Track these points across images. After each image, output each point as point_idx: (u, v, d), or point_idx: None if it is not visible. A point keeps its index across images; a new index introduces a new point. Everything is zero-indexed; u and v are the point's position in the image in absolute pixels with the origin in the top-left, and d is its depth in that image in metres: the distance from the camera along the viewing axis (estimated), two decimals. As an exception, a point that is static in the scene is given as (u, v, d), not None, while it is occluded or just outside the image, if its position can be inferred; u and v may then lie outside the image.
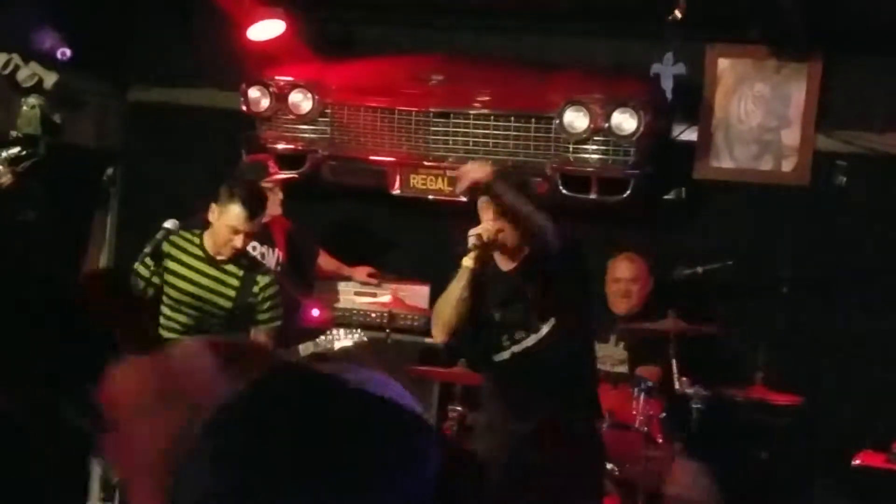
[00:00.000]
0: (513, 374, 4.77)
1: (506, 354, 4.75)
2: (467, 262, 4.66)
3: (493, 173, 4.61)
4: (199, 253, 5.21)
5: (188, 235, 5.24)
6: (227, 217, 5.09)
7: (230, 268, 5.21)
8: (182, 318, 5.21)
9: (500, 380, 4.84)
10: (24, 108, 5.97)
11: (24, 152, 5.34)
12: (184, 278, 5.19)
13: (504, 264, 4.79)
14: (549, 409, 4.67)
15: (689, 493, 5.40)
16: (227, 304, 5.18)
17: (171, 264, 5.19)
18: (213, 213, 5.16)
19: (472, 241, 4.65)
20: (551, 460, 4.63)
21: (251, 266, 5.29)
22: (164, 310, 5.23)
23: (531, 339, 4.73)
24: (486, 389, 4.98)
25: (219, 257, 5.20)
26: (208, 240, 5.22)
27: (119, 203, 7.30)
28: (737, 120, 6.43)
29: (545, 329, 4.71)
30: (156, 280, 5.14)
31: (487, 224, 4.67)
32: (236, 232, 5.09)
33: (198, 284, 5.19)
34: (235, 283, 5.20)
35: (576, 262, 4.79)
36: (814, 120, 6.30)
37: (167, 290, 5.20)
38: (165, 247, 5.16)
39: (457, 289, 4.70)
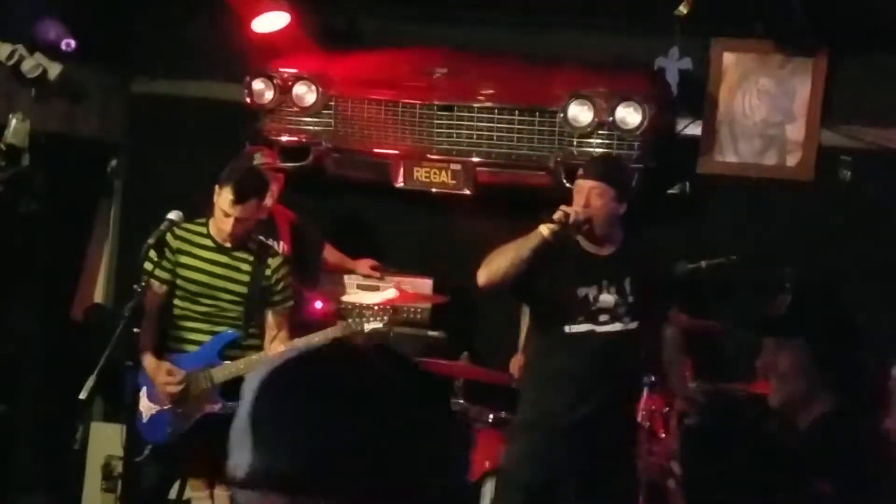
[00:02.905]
0: (585, 348, 4.77)
1: (582, 328, 4.75)
2: (545, 230, 4.67)
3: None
4: (209, 243, 5.21)
5: (194, 227, 5.24)
6: (220, 200, 5.10)
7: (240, 254, 5.21)
8: (198, 308, 5.21)
9: (567, 351, 4.81)
10: (15, 121, 5.96)
11: (3, 163, 5.38)
12: (196, 269, 5.18)
13: (589, 247, 4.82)
14: (613, 394, 4.77)
15: None
16: (242, 290, 5.19)
17: (182, 258, 5.17)
18: (216, 194, 5.16)
19: (558, 215, 4.67)
20: (609, 447, 4.75)
21: (261, 250, 5.29)
22: (178, 301, 5.22)
23: (616, 326, 4.78)
24: (544, 362, 4.92)
25: (226, 244, 5.19)
26: (213, 227, 5.22)
27: (123, 195, 7.29)
28: (741, 115, 6.42)
29: (632, 325, 4.77)
30: (159, 272, 5.13)
31: (579, 208, 4.70)
32: (226, 215, 5.09)
33: (211, 273, 5.18)
34: (247, 268, 5.20)
35: (665, 279, 5.00)
36: (818, 115, 6.29)
37: (180, 282, 5.19)
38: (174, 242, 5.16)
39: (522, 248, 4.70)
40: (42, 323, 6.77)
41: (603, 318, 4.76)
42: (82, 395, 4.61)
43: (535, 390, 4.93)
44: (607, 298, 4.77)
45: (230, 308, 5.20)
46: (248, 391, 1.39)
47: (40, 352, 6.74)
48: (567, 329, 4.77)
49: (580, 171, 4.88)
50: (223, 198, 5.08)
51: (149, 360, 5.15)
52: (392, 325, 5.52)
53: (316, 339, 5.33)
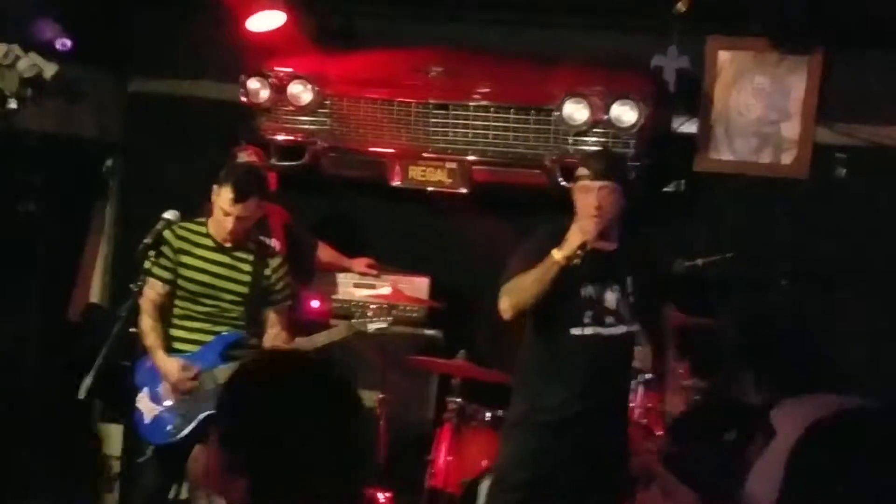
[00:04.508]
0: (589, 351, 4.69)
1: (587, 330, 4.67)
2: (560, 258, 4.51)
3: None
4: (209, 242, 5.20)
5: (194, 226, 5.23)
6: (220, 199, 5.09)
7: (240, 254, 5.21)
8: (199, 308, 5.19)
9: (570, 354, 4.71)
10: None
11: None
12: (198, 269, 5.17)
13: (594, 242, 4.63)
14: (607, 394, 4.74)
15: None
16: (244, 290, 5.19)
17: (184, 258, 5.16)
18: (215, 193, 5.16)
19: (575, 242, 4.50)
20: (601, 446, 4.70)
21: (260, 249, 5.29)
22: (179, 301, 5.20)
23: (620, 329, 4.71)
24: (543, 362, 4.80)
25: (226, 244, 5.19)
26: (213, 226, 5.22)
27: (119, 194, 7.30)
28: (737, 112, 6.43)
29: (634, 327, 4.73)
30: (160, 272, 5.11)
31: (590, 226, 4.54)
32: (226, 214, 5.09)
33: (213, 274, 5.17)
34: (248, 268, 5.20)
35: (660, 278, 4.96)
36: (814, 113, 6.29)
37: (182, 282, 5.17)
38: (176, 241, 5.15)
39: (544, 280, 4.54)
40: (39, 322, 6.77)
41: (609, 320, 4.69)
42: (81, 395, 4.62)
43: (531, 390, 4.84)
44: (611, 297, 4.70)
45: (231, 308, 5.20)
46: (785, 430, 1.50)
47: (37, 351, 6.74)
48: (573, 332, 4.69)
49: (582, 171, 4.67)
50: (223, 197, 5.08)
51: (162, 358, 5.13)
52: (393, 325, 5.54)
53: (320, 339, 5.34)
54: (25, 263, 6.58)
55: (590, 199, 4.60)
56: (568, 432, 4.69)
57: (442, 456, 5.67)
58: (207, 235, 5.21)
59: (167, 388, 5.17)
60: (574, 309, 4.68)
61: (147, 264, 5.01)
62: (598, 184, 4.61)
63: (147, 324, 5.13)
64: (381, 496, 5.70)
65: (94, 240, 7.28)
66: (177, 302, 5.22)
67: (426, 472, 5.70)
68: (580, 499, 4.72)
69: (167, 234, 5.10)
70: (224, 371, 5.14)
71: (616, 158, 5.02)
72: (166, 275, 5.15)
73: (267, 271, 5.23)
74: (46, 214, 6.60)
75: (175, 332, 5.22)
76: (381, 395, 5.80)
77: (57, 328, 6.86)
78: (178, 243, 5.16)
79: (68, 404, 4.79)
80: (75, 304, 7.14)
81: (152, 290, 5.11)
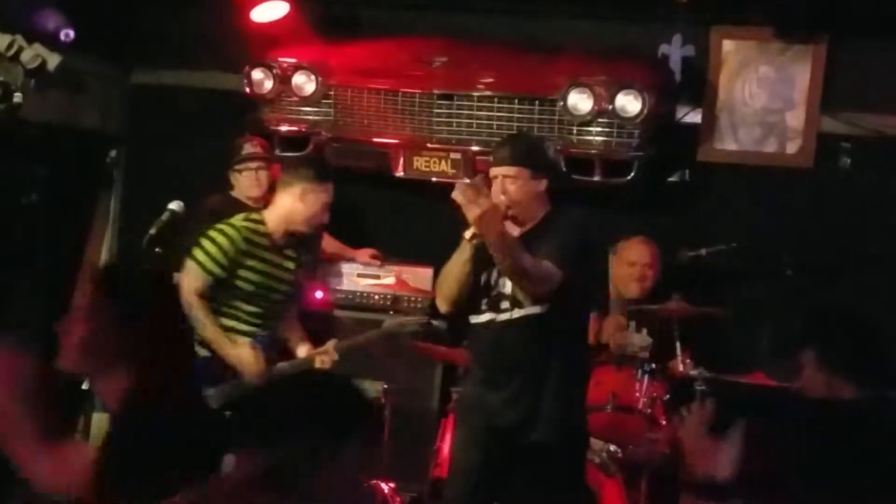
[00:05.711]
0: (488, 340, 4.63)
1: (484, 318, 4.62)
2: (467, 236, 4.50)
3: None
4: (266, 242, 5.17)
5: (253, 225, 5.16)
6: (324, 195, 5.18)
7: (288, 252, 5.21)
8: (252, 308, 5.14)
9: (475, 343, 4.72)
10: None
11: None
12: (256, 271, 5.13)
13: (508, 227, 4.58)
14: (523, 385, 4.54)
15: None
16: (289, 289, 5.19)
17: (248, 260, 5.10)
18: (294, 194, 5.15)
19: (470, 217, 4.43)
20: (524, 438, 4.56)
21: (299, 245, 5.29)
22: (228, 300, 5.10)
23: (516, 313, 4.56)
24: (470, 354, 4.88)
25: (278, 242, 5.18)
26: (272, 223, 5.17)
27: (123, 186, 7.30)
28: (741, 102, 6.42)
29: (534, 310, 4.52)
30: (210, 266, 5.00)
31: (486, 203, 4.40)
32: (328, 208, 5.18)
33: (267, 275, 5.15)
34: (292, 265, 5.21)
35: (587, 257, 4.60)
36: (818, 102, 6.29)
37: (238, 282, 5.09)
38: (244, 244, 5.08)
39: (459, 262, 4.57)
40: (42, 314, 6.77)
41: (504, 304, 4.57)
42: (85, 385, 4.60)
43: (467, 379, 4.89)
44: (506, 281, 4.55)
45: (276, 309, 5.17)
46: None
47: (40, 343, 6.73)
48: (472, 320, 4.66)
49: (490, 159, 4.70)
50: (328, 192, 5.19)
51: (235, 348, 5.00)
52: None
53: (361, 339, 5.35)
54: (29, 255, 6.58)
55: (496, 185, 4.59)
56: (496, 426, 4.59)
57: (446, 446, 5.67)
58: (266, 235, 5.18)
59: (217, 392, 4.95)
60: (473, 297, 4.63)
61: (199, 255, 4.99)
62: (500, 170, 4.60)
63: (205, 315, 4.97)
64: (384, 486, 5.69)
65: (98, 231, 7.28)
66: (226, 300, 5.11)
67: (430, 462, 5.70)
68: (530, 487, 4.59)
69: (231, 231, 5.05)
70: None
71: (522, 144, 4.85)
72: (219, 272, 5.06)
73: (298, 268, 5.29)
74: (50, 206, 6.59)
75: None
76: (385, 386, 5.80)
77: (60, 319, 6.84)
78: (245, 246, 5.09)
79: (72, 395, 4.77)
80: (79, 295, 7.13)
81: (199, 283, 5.00)
